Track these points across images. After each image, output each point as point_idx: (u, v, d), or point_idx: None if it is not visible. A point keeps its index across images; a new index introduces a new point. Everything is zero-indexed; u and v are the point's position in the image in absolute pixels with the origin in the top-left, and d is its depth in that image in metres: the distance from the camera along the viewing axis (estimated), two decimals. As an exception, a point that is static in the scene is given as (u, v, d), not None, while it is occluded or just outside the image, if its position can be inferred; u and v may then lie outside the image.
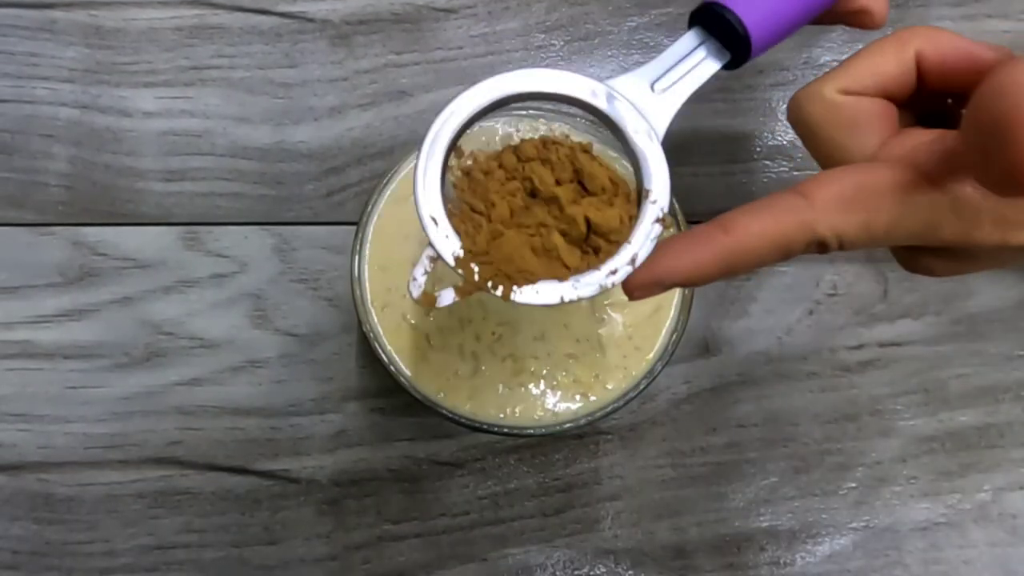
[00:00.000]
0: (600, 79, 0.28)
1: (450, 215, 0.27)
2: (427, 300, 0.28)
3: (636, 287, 0.27)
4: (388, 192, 0.38)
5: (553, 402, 0.36)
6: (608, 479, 0.42)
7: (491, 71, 0.44)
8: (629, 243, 0.27)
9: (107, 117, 0.44)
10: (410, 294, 0.28)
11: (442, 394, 0.36)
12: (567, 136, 0.28)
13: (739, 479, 0.42)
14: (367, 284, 0.37)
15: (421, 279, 0.28)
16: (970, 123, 0.23)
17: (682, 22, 0.30)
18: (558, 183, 0.28)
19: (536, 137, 0.28)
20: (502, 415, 0.36)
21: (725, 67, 0.30)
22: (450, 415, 0.35)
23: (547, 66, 0.42)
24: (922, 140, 0.28)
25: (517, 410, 0.36)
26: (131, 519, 0.41)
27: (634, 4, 0.46)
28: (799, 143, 0.45)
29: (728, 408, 0.43)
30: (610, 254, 0.27)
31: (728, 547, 0.42)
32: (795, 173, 0.44)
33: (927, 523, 0.42)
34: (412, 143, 0.37)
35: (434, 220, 0.27)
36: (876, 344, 0.44)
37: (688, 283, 0.27)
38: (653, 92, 0.29)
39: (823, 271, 0.44)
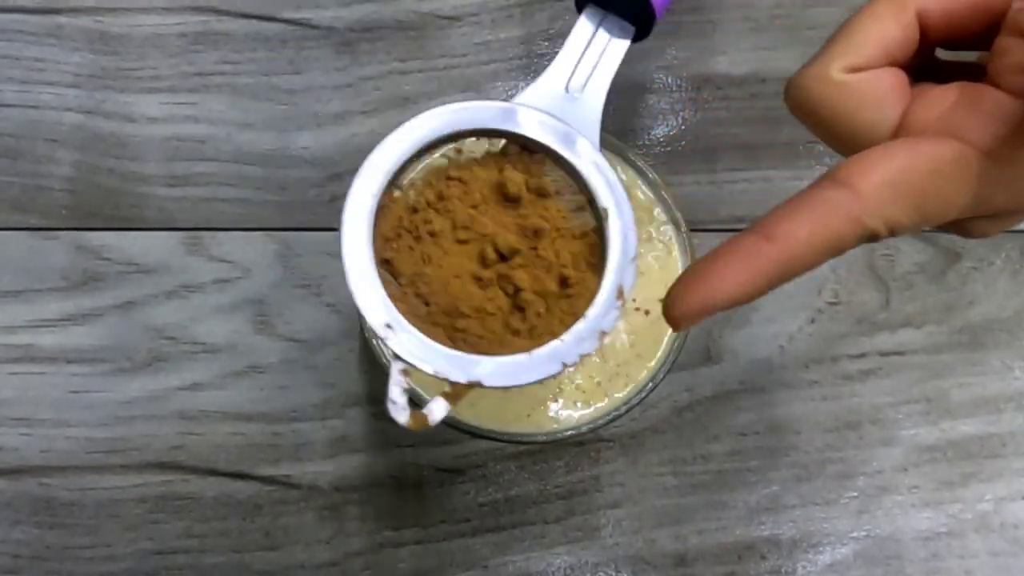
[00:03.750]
0: (508, 100, 0.25)
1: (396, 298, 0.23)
2: (418, 422, 0.24)
3: (681, 317, 0.24)
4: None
5: (555, 409, 0.36)
6: (609, 486, 0.42)
7: (494, 78, 0.45)
8: (605, 272, 0.24)
9: (111, 122, 0.44)
10: (395, 421, 0.23)
11: (444, 400, 0.36)
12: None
13: (741, 487, 0.42)
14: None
15: (402, 400, 0.23)
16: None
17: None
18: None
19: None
20: (503, 422, 0.36)
21: (634, 40, 0.26)
22: (451, 422, 0.35)
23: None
24: (946, 102, 0.26)
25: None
26: (132, 524, 0.41)
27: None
28: (802, 151, 0.45)
29: (730, 416, 0.43)
30: (585, 297, 0.24)
31: (729, 555, 0.42)
32: (797, 182, 0.44)
33: (929, 532, 0.42)
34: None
35: (390, 327, 0.23)
36: (878, 353, 0.44)
37: (739, 303, 0.24)
38: (569, 94, 0.25)
39: (825, 279, 0.44)
